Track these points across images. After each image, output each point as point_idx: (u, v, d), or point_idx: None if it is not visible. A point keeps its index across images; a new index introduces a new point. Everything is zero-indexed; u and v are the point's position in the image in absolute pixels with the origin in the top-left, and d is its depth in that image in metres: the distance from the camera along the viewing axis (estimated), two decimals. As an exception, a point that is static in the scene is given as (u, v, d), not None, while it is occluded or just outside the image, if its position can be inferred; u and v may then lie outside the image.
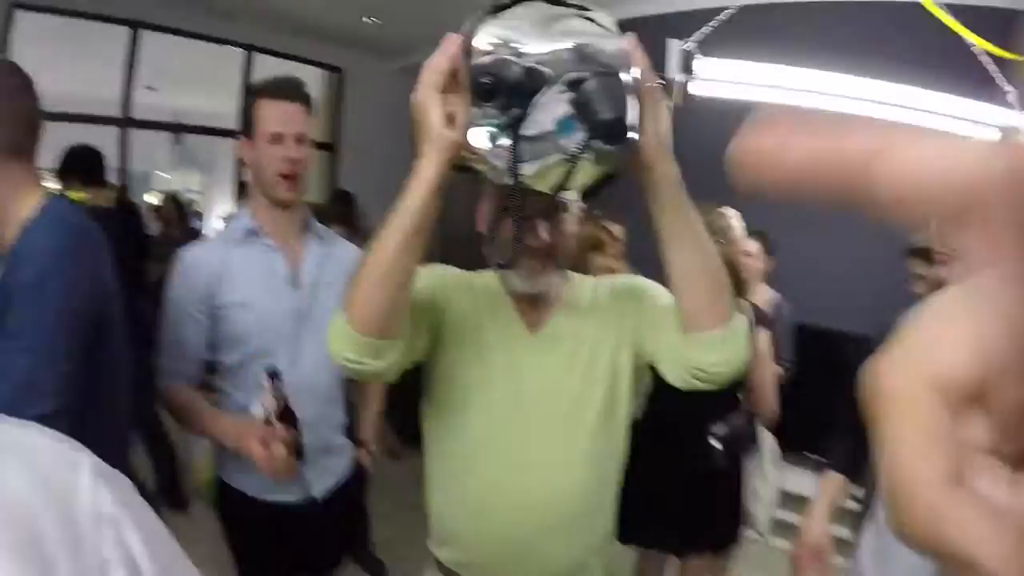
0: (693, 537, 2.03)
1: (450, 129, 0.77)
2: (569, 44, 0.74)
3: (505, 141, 0.75)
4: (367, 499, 1.81)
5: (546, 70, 0.72)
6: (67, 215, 1.18)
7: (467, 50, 0.75)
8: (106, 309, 1.19)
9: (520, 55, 0.72)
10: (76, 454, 0.44)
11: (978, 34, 2.30)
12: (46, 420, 0.83)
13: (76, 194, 2.82)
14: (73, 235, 1.15)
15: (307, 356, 1.49)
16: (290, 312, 1.49)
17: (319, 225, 1.62)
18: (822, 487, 1.52)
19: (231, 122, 5.72)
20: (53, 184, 2.78)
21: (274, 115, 1.42)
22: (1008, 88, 2.27)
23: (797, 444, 2.49)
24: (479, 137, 0.77)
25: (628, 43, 0.79)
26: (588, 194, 0.90)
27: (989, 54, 2.31)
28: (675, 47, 1.95)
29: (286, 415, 1.30)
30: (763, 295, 2.80)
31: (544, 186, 0.78)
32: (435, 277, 1.10)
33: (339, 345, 0.89)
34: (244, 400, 1.46)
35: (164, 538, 0.49)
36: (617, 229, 2.05)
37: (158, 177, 8.58)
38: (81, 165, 2.88)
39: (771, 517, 2.09)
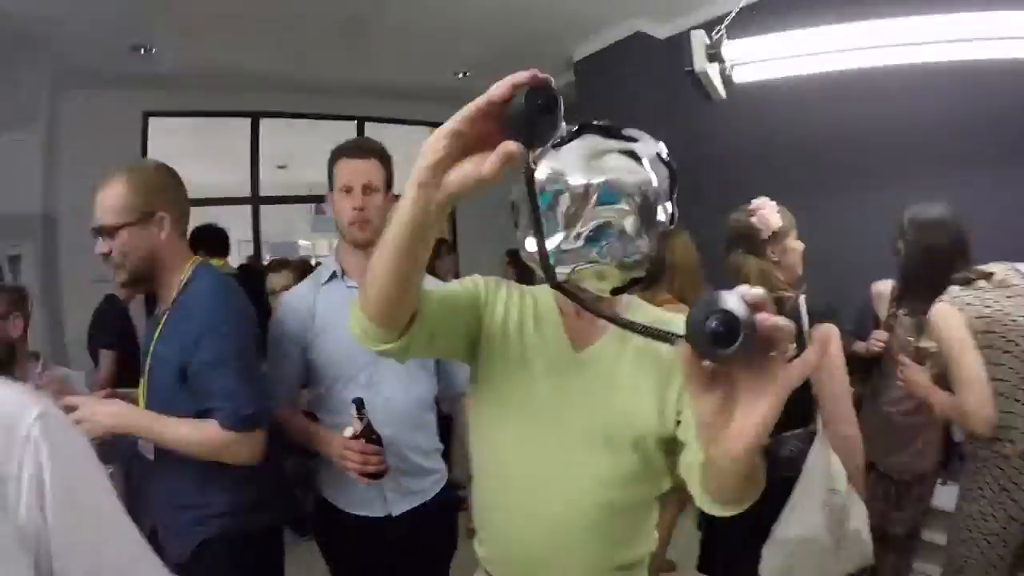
0: None
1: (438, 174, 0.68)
2: (601, 179, 0.91)
3: (533, 246, 0.94)
4: (456, 526, 1.87)
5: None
6: (214, 273, 1.55)
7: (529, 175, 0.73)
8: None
9: (568, 185, 0.91)
10: (30, 399, 0.67)
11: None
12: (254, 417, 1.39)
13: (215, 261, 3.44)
14: (225, 285, 1.53)
15: (385, 381, 1.67)
16: None
17: None
18: None
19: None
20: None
21: (345, 171, 1.68)
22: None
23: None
24: (531, 243, 0.98)
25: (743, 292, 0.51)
26: (616, 292, 1.01)
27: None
28: (699, 38, 1.86)
29: (369, 435, 1.52)
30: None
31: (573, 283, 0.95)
32: (477, 287, 1.14)
33: (352, 323, 0.94)
34: (330, 422, 1.68)
35: (83, 470, 0.70)
36: None
37: (301, 245, 9.58)
38: (208, 239, 3.60)
39: None
